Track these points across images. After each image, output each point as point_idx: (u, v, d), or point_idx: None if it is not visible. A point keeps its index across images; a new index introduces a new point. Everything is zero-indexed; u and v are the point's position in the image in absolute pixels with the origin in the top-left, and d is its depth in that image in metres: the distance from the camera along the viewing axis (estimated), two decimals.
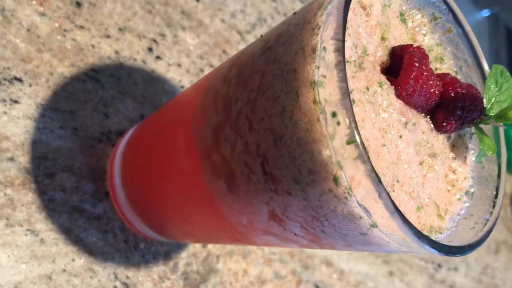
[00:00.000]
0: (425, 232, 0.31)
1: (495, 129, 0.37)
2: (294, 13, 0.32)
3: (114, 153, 0.47)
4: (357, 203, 0.26)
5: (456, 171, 0.35)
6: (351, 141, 0.25)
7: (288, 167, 0.29)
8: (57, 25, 0.47)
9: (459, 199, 0.35)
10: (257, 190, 0.31)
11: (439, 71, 0.36)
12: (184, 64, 0.55)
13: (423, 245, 0.27)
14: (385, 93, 0.31)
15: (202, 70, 0.56)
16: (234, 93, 0.33)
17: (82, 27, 0.48)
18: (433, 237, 0.31)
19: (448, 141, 0.35)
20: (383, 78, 0.31)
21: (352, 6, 0.30)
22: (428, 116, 0.34)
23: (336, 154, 0.26)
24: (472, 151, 0.36)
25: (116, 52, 0.50)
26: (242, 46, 0.61)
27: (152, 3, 0.54)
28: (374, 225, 0.27)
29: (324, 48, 0.26)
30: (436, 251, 0.27)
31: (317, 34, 0.27)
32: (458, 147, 0.36)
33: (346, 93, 0.25)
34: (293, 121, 0.28)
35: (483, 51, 0.37)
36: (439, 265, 0.79)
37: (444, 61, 0.37)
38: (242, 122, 0.31)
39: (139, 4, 0.53)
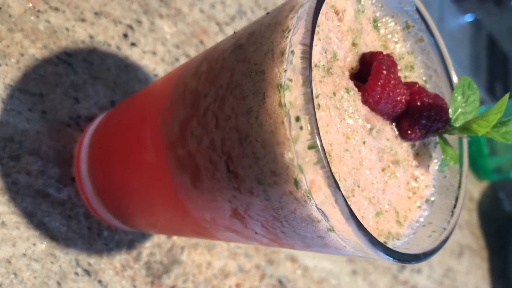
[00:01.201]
0: (382, 238, 0.32)
1: (459, 140, 0.38)
2: (268, 13, 0.32)
3: (82, 138, 0.47)
4: (316, 207, 0.27)
5: (418, 179, 0.36)
6: (312, 146, 0.25)
7: (251, 167, 0.29)
8: (30, 5, 0.46)
9: (419, 207, 0.35)
10: (221, 187, 0.32)
11: (408, 79, 0.37)
12: (160, 52, 0.55)
13: (378, 252, 0.27)
14: (352, 99, 0.31)
15: (177, 60, 0.56)
16: (203, 88, 0.33)
17: (56, 9, 0.48)
18: (390, 243, 0.32)
19: (412, 149, 0.36)
20: (350, 84, 0.31)
21: (324, 10, 0.30)
22: (393, 123, 0.34)
23: (298, 158, 0.26)
24: (435, 160, 0.37)
25: (91, 37, 0.50)
26: (220, 38, 0.61)
27: None
28: (331, 229, 0.27)
29: (292, 52, 0.26)
30: (390, 258, 0.28)
31: (287, 37, 0.27)
32: (421, 156, 0.36)
33: (310, 99, 0.25)
34: (259, 122, 0.28)
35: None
36: (403, 266, 0.80)
37: (414, 69, 0.37)
38: (210, 118, 0.31)
39: None
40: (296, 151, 0.26)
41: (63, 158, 0.46)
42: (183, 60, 0.56)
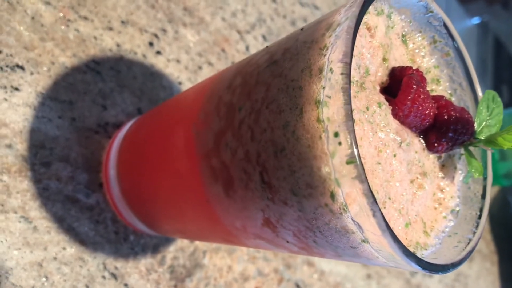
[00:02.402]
0: (411, 248, 0.33)
1: (483, 151, 0.39)
2: (302, 29, 0.33)
3: (110, 145, 0.48)
4: (351, 219, 0.28)
5: (443, 190, 0.37)
6: (351, 161, 0.26)
7: (286, 179, 0.30)
8: (61, 15, 0.47)
9: (445, 217, 0.36)
10: (254, 197, 0.33)
11: (434, 93, 0.38)
12: (183, 60, 0.56)
13: (410, 262, 0.28)
14: (383, 113, 0.32)
15: (200, 68, 0.57)
16: (238, 101, 0.34)
17: (85, 18, 0.49)
18: (419, 253, 0.33)
19: (439, 161, 0.37)
20: (382, 98, 0.32)
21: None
22: (421, 136, 0.35)
23: (335, 172, 0.27)
24: (460, 172, 0.38)
25: (118, 45, 0.51)
26: (240, 46, 0.62)
27: None
28: (365, 241, 0.28)
29: (331, 69, 0.27)
30: (421, 268, 0.29)
31: (325, 55, 0.28)
32: (447, 167, 0.37)
33: (349, 115, 0.26)
34: (295, 136, 0.29)
35: (470, 58, 0.39)
36: (415, 271, 0.81)
37: (440, 83, 0.38)
38: (245, 131, 0.32)
39: None
40: (334, 165, 0.27)
41: (91, 165, 0.47)
42: (205, 68, 0.57)
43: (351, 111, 0.26)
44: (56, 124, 0.45)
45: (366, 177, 0.26)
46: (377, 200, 0.31)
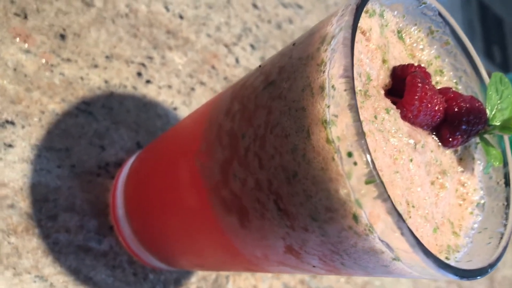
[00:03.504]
0: (444, 254, 0.31)
1: (499, 137, 0.37)
2: (294, 44, 0.31)
3: (114, 186, 0.46)
4: (378, 239, 0.26)
5: (465, 184, 0.35)
6: (370, 181, 0.25)
7: (303, 205, 0.28)
8: (43, 61, 0.46)
9: (471, 213, 0.35)
10: (272, 225, 0.31)
11: (440, 85, 0.36)
12: (175, 84, 0.54)
13: (447, 274, 0.27)
14: (392, 118, 0.30)
15: (193, 89, 0.56)
16: (240, 128, 0.32)
17: (69, 60, 0.47)
18: (452, 257, 0.31)
19: (455, 155, 0.35)
20: (388, 103, 0.31)
21: None
22: (434, 133, 0.34)
23: (354, 193, 0.26)
24: (478, 162, 0.36)
25: (106, 82, 0.49)
26: (230, 59, 0.60)
27: (137, 26, 0.53)
28: (396, 259, 0.27)
29: (333, 86, 0.26)
30: (459, 278, 0.27)
31: (324, 71, 0.27)
32: (465, 160, 0.36)
33: (361, 134, 0.24)
34: (306, 160, 0.27)
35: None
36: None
37: (443, 73, 0.37)
38: (251, 159, 0.31)
39: (123, 28, 0.52)
40: (352, 186, 0.26)
41: (98, 209, 0.45)
42: (198, 89, 0.56)
43: (362, 129, 0.24)
44: (56, 174, 0.44)
45: (388, 195, 0.24)
46: (401, 212, 0.29)
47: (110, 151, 0.48)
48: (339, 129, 0.25)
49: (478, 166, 0.36)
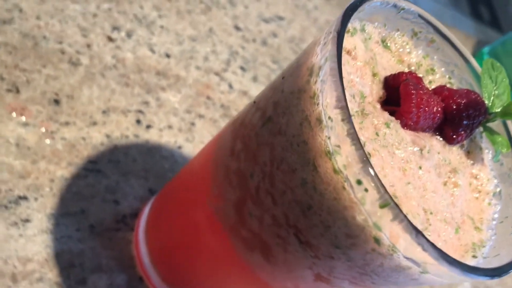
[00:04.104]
0: (470, 253, 0.31)
1: (503, 121, 0.37)
2: (283, 77, 0.32)
3: (135, 237, 0.47)
4: (403, 257, 0.26)
5: (478, 176, 0.35)
6: (384, 205, 0.25)
7: (324, 235, 0.28)
8: (43, 130, 0.46)
9: (489, 204, 0.35)
10: (297, 258, 0.31)
11: (433, 83, 0.36)
12: (174, 124, 0.55)
13: (477, 277, 0.27)
14: (394, 130, 0.30)
15: (193, 124, 0.56)
16: (247, 168, 0.32)
17: (67, 123, 0.48)
18: (479, 254, 0.31)
19: (462, 149, 0.35)
20: (386, 115, 0.31)
21: None
22: (437, 133, 0.34)
23: (371, 217, 0.26)
24: (487, 150, 0.36)
25: (107, 136, 0.50)
26: (223, 86, 0.61)
27: (126, 74, 0.54)
28: (424, 272, 0.27)
29: (329, 117, 0.26)
30: (489, 277, 0.27)
31: (318, 104, 0.27)
32: (472, 152, 0.36)
33: (366, 160, 0.25)
34: (318, 192, 0.27)
35: None
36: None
37: (435, 71, 0.37)
38: (264, 196, 0.31)
39: (114, 80, 0.52)
40: (367, 211, 0.26)
41: (124, 263, 0.46)
42: (198, 122, 0.56)
43: (366, 156, 0.25)
44: (77, 238, 0.44)
45: (405, 215, 0.25)
46: (420, 222, 0.29)
47: (124, 203, 0.48)
48: (344, 158, 0.26)
49: (487, 155, 0.36)
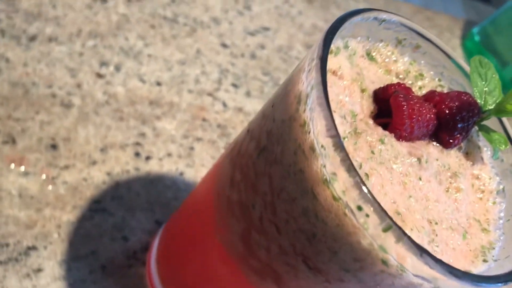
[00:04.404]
0: (480, 257, 0.31)
1: (498, 118, 0.37)
2: (272, 106, 0.32)
3: (148, 271, 0.47)
4: (413, 275, 0.26)
5: (479, 176, 0.35)
6: (387, 228, 0.25)
7: (332, 260, 0.28)
8: (43, 177, 0.46)
9: (494, 202, 0.35)
10: (309, 283, 0.31)
11: (424, 88, 0.36)
12: (173, 151, 0.55)
13: (489, 285, 0.27)
14: (389, 145, 0.30)
15: (192, 148, 0.56)
16: (247, 198, 0.33)
17: (66, 167, 0.48)
18: (489, 257, 0.31)
19: (460, 151, 0.35)
20: (380, 130, 0.31)
21: None
22: (432, 139, 0.34)
23: (376, 241, 0.26)
24: (485, 149, 0.36)
25: (108, 174, 0.50)
26: (218, 106, 0.61)
27: (120, 108, 0.54)
28: (436, 287, 0.27)
29: (322, 146, 0.26)
30: (503, 283, 0.27)
31: (309, 132, 0.27)
32: (471, 152, 0.36)
33: (363, 187, 0.25)
34: (320, 219, 0.27)
35: None
36: None
37: (424, 76, 0.37)
38: (268, 226, 0.31)
39: (108, 116, 0.53)
40: (371, 235, 0.26)
41: None
42: (197, 146, 0.56)
43: (363, 182, 0.25)
44: (91, 280, 0.44)
45: (409, 237, 0.25)
46: (426, 234, 0.29)
47: (133, 239, 0.48)
48: (342, 184, 0.26)
49: (486, 154, 0.36)
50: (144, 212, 0.50)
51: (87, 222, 0.47)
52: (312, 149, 0.27)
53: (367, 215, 0.25)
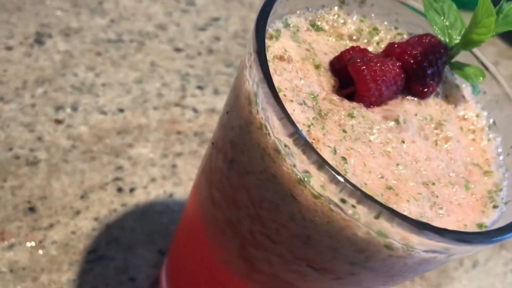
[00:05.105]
0: (489, 204, 0.29)
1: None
2: (227, 112, 0.29)
3: None
4: (423, 251, 0.24)
5: (466, 116, 0.33)
6: (378, 215, 0.22)
7: (335, 257, 0.26)
8: (32, 244, 0.44)
9: (489, 140, 0.32)
10: (321, 283, 0.29)
11: (383, 42, 0.34)
12: (156, 174, 0.53)
13: (503, 238, 0.24)
14: (360, 117, 0.28)
15: (174, 166, 0.54)
16: (232, 215, 0.30)
17: (51, 226, 0.46)
18: (498, 200, 0.29)
19: (439, 97, 0.33)
20: (346, 104, 0.28)
21: (273, 70, 0.27)
22: (405, 94, 0.31)
23: (371, 229, 0.23)
24: (463, 85, 0.34)
25: (96, 219, 0.48)
26: (188, 114, 0.58)
27: (89, 149, 0.51)
28: (451, 255, 0.25)
29: (286, 145, 0.24)
30: None
31: (268, 134, 0.25)
32: (450, 94, 0.33)
33: (340, 181, 0.22)
34: (309, 220, 0.25)
35: None
36: None
37: (378, 29, 0.34)
38: (261, 238, 0.29)
39: (78, 160, 0.50)
40: (365, 224, 0.23)
41: None
42: (179, 162, 0.54)
43: (339, 173, 0.22)
44: None
45: (402, 215, 0.22)
46: (426, 200, 0.27)
47: (140, 276, 0.46)
48: (318, 180, 0.23)
49: (467, 90, 0.34)
50: (144, 246, 0.48)
51: (89, 275, 0.45)
52: (277, 150, 0.24)
53: (354, 206, 0.23)
